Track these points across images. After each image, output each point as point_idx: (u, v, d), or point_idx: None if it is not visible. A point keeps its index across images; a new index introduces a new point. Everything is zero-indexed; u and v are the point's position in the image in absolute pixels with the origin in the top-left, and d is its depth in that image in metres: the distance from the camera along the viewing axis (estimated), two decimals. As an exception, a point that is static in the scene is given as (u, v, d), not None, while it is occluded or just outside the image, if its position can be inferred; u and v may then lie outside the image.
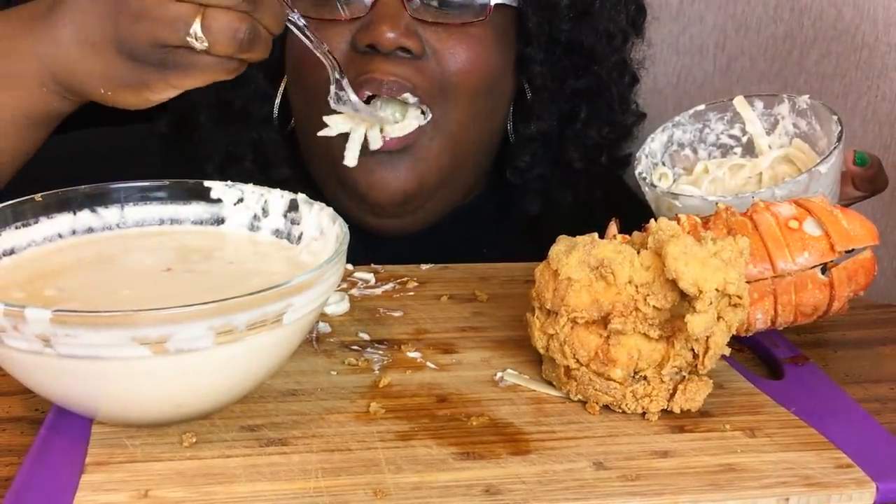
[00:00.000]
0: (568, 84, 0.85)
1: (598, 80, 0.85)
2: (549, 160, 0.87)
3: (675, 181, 0.78)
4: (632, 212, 0.79)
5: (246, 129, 0.85)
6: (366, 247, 0.75)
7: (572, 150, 0.87)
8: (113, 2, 0.60)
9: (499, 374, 0.60)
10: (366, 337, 0.64)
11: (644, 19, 0.90)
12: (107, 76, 0.63)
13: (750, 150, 0.79)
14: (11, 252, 0.58)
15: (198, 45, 0.59)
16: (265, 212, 0.63)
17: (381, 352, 0.62)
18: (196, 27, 0.58)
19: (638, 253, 0.54)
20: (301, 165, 0.86)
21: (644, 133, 0.88)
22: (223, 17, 0.59)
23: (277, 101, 0.85)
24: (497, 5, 0.78)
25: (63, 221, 0.61)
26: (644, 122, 0.91)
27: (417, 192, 0.80)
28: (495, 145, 0.87)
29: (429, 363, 0.61)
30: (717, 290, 0.52)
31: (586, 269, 0.54)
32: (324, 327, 0.65)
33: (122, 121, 0.89)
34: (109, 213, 0.62)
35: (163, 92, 0.63)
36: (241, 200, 0.64)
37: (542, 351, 0.58)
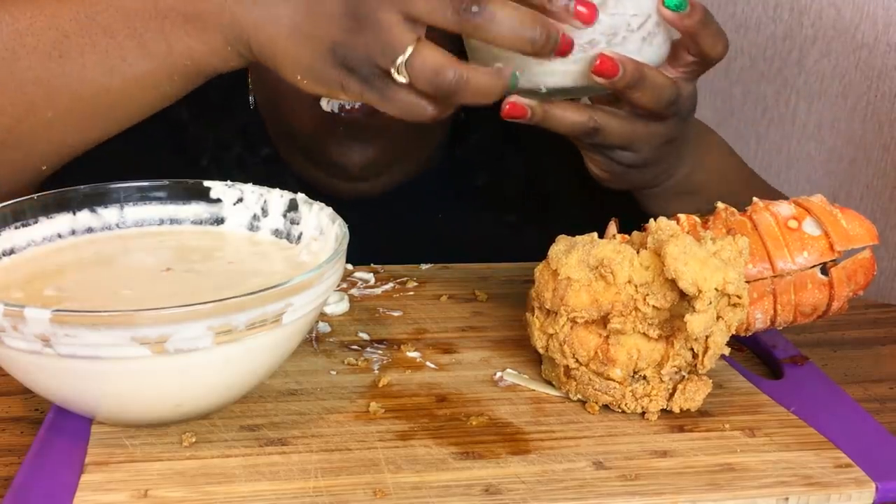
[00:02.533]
0: None
1: None
2: (497, 133, 0.88)
3: None
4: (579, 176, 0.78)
5: (230, 118, 0.86)
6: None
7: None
8: (343, 3, 0.58)
9: (498, 374, 0.60)
10: (365, 337, 0.64)
11: None
12: (310, 69, 0.60)
13: None
14: (11, 252, 0.58)
15: (399, 78, 0.57)
16: (265, 212, 0.63)
17: (380, 352, 0.62)
18: (403, 58, 0.56)
19: (637, 253, 0.54)
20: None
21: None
22: (430, 57, 0.56)
23: (250, 83, 0.86)
24: None
25: (62, 221, 0.61)
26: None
27: (380, 157, 0.82)
28: (449, 122, 0.89)
29: (428, 363, 0.61)
30: (716, 289, 0.52)
31: (586, 268, 0.54)
32: (323, 327, 0.65)
33: None
34: (109, 213, 0.62)
35: (353, 98, 0.61)
36: (240, 200, 0.64)
37: (541, 351, 0.58)
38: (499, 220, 0.89)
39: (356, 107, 0.77)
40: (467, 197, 0.92)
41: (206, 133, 0.87)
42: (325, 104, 0.78)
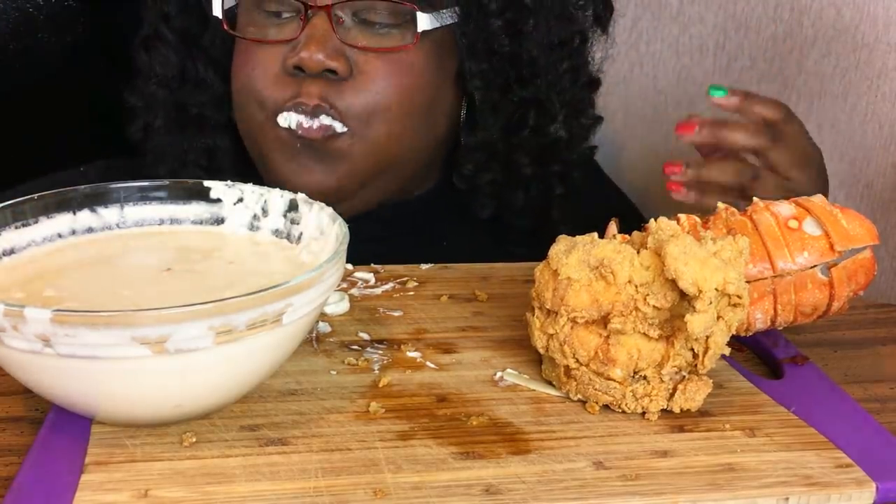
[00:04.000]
0: (513, 94, 0.84)
1: (546, 88, 0.84)
2: (497, 166, 0.86)
3: None
4: (592, 203, 0.80)
5: (200, 134, 0.86)
6: None
7: (521, 155, 0.86)
8: None
9: (499, 374, 0.60)
10: (366, 337, 0.64)
11: (610, 15, 0.89)
12: None
13: None
14: (11, 252, 0.58)
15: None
16: (265, 212, 0.63)
17: (380, 351, 0.62)
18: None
19: (638, 253, 0.54)
20: (248, 169, 0.87)
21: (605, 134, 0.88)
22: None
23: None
24: (427, 30, 0.78)
25: (63, 221, 0.61)
26: (601, 124, 0.90)
27: (338, 189, 0.81)
28: (440, 150, 0.87)
29: (429, 363, 0.61)
30: (716, 289, 0.52)
31: (586, 268, 0.54)
32: (324, 327, 0.65)
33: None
34: (109, 213, 0.62)
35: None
36: (240, 200, 0.64)
37: (541, 351, 0.58)
38: (505, 250, 0.87)
39: (314, 127, 0.77)
40: (470, 226, 0.90)
41: (170, 143, 0.86)
42: (283, 119, 0.77)
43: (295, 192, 0.79)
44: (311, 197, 0.78)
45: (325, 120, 0.77)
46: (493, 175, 0.86)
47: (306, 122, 0.77)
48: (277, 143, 0.79)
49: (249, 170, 0.86)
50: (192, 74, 0.85)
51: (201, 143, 0.86)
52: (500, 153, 0.86)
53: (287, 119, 0.77)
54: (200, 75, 0.85)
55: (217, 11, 0.79)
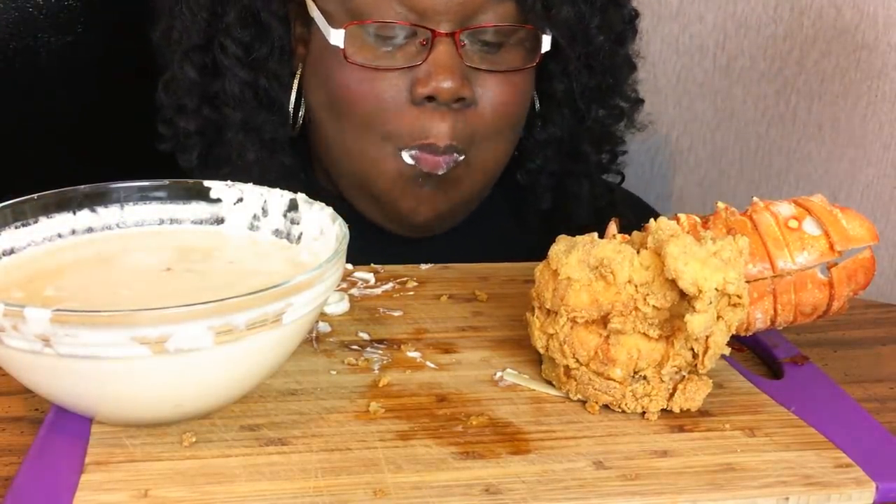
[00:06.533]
0: (583, 88, 0.85)
1: (612, 79, 0.86)
2: (561, 157, 0.87)
3: None
4: (638, 212, 0.79)
5: (275, 154, 0.84)
6: (381, 249, 0.76)
7: (585, 144, 0.87)
8: None
9: (498, 374, 0.60)
10: (365, 336, 0.64)
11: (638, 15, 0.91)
12: None
13: None
14: (11, 252, 0.58)
15: None
16: (265, 211, 0.63)
17: (380, 351, 0.62)
18: None
19: (638, 253, 0.54)
20: (314, 177, 0.87)
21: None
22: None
23: (290, 108, 0.84)
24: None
25: (62, 221, 0.61)
26: (641, 106, 0.91)
27: (449, 215, 0.83)
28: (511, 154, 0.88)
29: (428, 363, 0.61)
30: (716, 289, 0.52)
31: (586, 268, 0.54)
32: (323, 327, 0.65)
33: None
34: (109, 213, 0.62)
35: None
36: (240, 200, 0.64)
37: (541, 350, 0.58)
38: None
39: (441, 163, 0.77)
40: (529, 219, 0.90)
41: (244, 169, 0.84)
42: (408, 156, 0.77)
43: (409, 221, 0.80)
44: (423, 223, 0.81)
45: (452, 156, 0.77)
46: (556, 166, 0.87)
47: (434, 159, 0.77)
48: (397, 176, 0.79)
49: (315, 187, 0.85)
50: (263, 97, 0.83)
51: (277, 163, 0.84)
52: (565, 144, 0.87)
53: (413, 157, 0.77)
54: (270, 97, 0.83)
55: (338, 42, 0.76)
